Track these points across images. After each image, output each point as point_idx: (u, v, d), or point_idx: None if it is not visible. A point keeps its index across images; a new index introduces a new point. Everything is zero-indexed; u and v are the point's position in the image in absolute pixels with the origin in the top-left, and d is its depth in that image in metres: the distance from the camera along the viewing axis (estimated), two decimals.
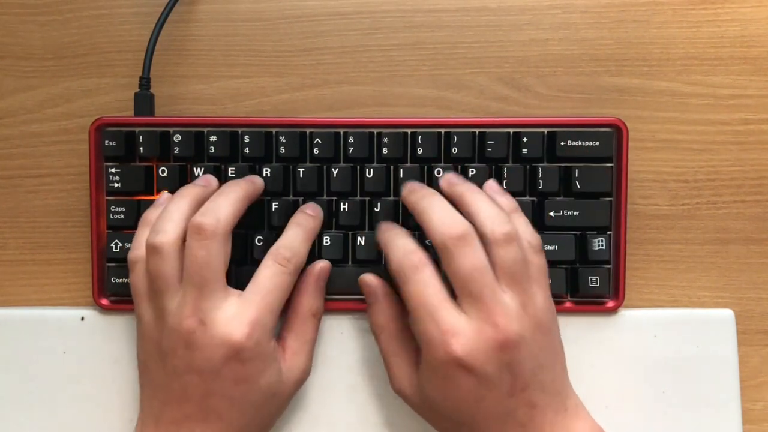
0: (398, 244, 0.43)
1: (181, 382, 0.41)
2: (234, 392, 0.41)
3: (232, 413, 0.41)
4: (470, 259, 0.40)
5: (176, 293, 0.42)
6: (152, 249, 0.42)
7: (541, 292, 0.42)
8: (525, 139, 0.48)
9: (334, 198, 0.48)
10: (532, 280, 0.42)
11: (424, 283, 0.41)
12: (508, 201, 0.45)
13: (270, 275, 0.42)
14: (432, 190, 0.44)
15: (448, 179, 0.45)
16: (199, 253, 0.41)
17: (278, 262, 0.43)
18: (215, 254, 0.41)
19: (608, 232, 0.48)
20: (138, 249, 0.44)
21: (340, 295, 0.48)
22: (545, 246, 0.47)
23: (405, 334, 0.44)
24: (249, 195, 0.45)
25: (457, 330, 0.40)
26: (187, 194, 0.45)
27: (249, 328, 0.40)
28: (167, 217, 0.43)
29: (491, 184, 0.46)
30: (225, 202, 0.43)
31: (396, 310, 0.45)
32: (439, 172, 0.48)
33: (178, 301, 0.41)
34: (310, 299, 0.45)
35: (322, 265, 0.46)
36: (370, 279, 0.45)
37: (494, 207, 0.43)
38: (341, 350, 0.48)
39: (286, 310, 0.45)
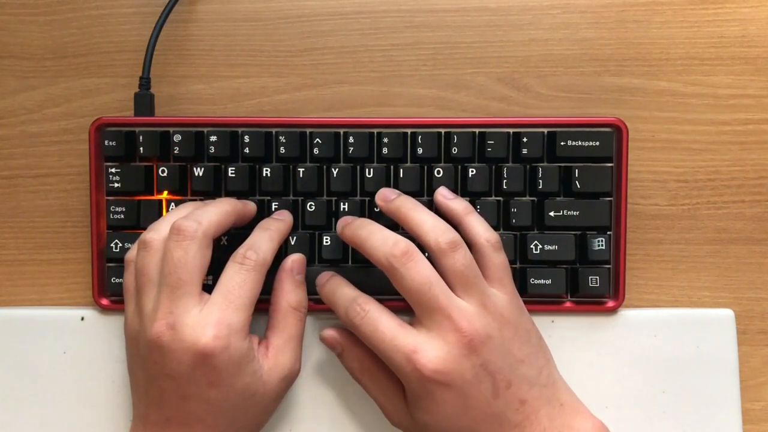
0: (340, 295, 0.44)
1: (159, 386, 0.41)
2: (209, 395, 0.41)
3: (210, 416, 0.41)
4: (418, 273, 0.41)
5: (154, 293, 0.42)
6: (142, 244, 0.43)
7: (502, 289, 0.43)
8: (525, 139, 0.48)
9: (334, 198, 0.48)
10: (492, 279, 0.43)
11: (374, 321, 0.42)
12: (460, 204, 0.45)
13: (231, 274, 0.42)
14: (364, 219, 0.45)
15: (383, 196, 0.45)
16: (176, 253, 0.41)
17: (237, 261, 0.43)
18: (192, 256, 0.41)
19: (608, 232, 0.48)
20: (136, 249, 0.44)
21: None
22: (545, 246, 0.47)
23: (385, 369, 0.44)
24: (237, 212, 0.45)
25: (419, 347, 0.40)
26: (190, 204, 0.46)
27: (215, 330, 0.40)
28: (164, 219, 0.44)
29: (442, 190, 0.47)
30: (210, 209, 0.44)
31: (368, 351, 0.45)
32: (439, 172, 0.48)
33: (153, 301, 0.41)
34: (287, 293, 0.45)
35: (294, 257, 0.46)
36: (329, 333, 0.46)
37: (433, 218, 0.43)
38: None
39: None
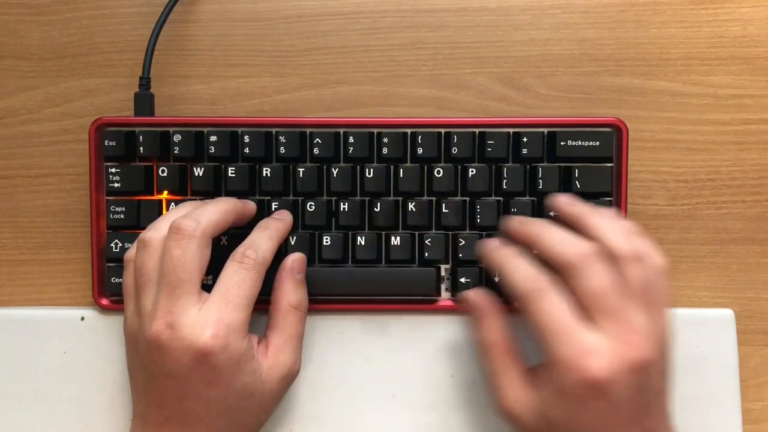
0: (516, 265, 0.42)
1: (158, 385, 0.41)
2: (209, 394, 0.41)
3: (210, 415, 0.41)
4: (600, 276, 0.40)
5: (153, 292, 0.42)
6: (142, 243, 0.43)
7: (664, 315, 0.42)
8: (525, 139, 0.48)
9: (334, 198, 0.48)
10: (657, 301, 0.42)
11: (555, 304, 0.40)
12: (628, 224, 0.44)
13: (230, 273, 0.42)
14: (544, 219, 0.44)
15: (564, 200, 0.45)
16: (175, 252, 0.41)
17: (236, 260, 0.43)
18: (191, 256, 0.41)
19: None
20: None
21: (340, 295, 0.48)
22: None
23: (514, 351, 0.43)
24: (237, 211, 0.45)
25: (593, 349, 0.39)
26: (190, 204, 0.45)
27: (214, 329, 0.40)
28: (163, 218, 0.44)
29: (607, 210, 0.45)
30: (210, 208, 0.44)
31: (505, 325, 0.44)
32: (439, 172, 0.48)
33: (152, 300, 0.41)
34: (287, 293, 0.45)
35: (294, 256, 0.46)
36: (475, 295, 0.44)
37: (617, 225, 0.42)
38: (341, 350, 0.48)
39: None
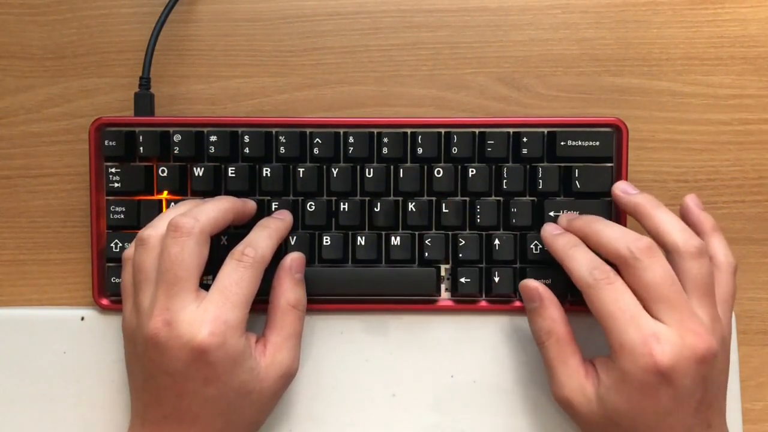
0: (578, 254, 0.43)
1: (156, 383, 0.41)
2: (206, 392, 0.41)
3: (207, 414, 0.41)
4: (661, 269, 0.40)
5: (151, 290, 0.42)
6: (140, 241, 0.43)
7: (728, 312, 0.43)
8: (525, 139, 0.48)
9: (334, 198, 0.48)
10: (720, 298, 0.43)
11: (621, 292, 0.41)
12: (707, 218, 0.45)
13: (228, 271, 0.42)
14: (595, 216, 0.45)
15: (623, 188, 0.45)
16: (173, 249, 0.41)
17: (235, 258, 0.43)
18: (189, 253, 0.41)
19: None
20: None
21: (340, 295, 0.48)
22: (544, 247, 0.47)
23: (573, 340, 0.44)
24: (236, 210, 0.45)
25: (660, 336, 0.39)
26: (189, 202, 0.45)
27: (211, 326, 0.40)
28: (162, 216, 0.44)
29: (692, 198, 0.46)
30: (208, 206, 0.44)
31: (563, 315, 0.44)
32: (439, 172, 0.48)
33: (150, 298, 0.42)
34: (286, 291, 0.45)
35: (293, 256, 0.46)
36: (534, 284, 0.44)
37: (679, 220, 0.43)
38: (341, 350, 0.48)
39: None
